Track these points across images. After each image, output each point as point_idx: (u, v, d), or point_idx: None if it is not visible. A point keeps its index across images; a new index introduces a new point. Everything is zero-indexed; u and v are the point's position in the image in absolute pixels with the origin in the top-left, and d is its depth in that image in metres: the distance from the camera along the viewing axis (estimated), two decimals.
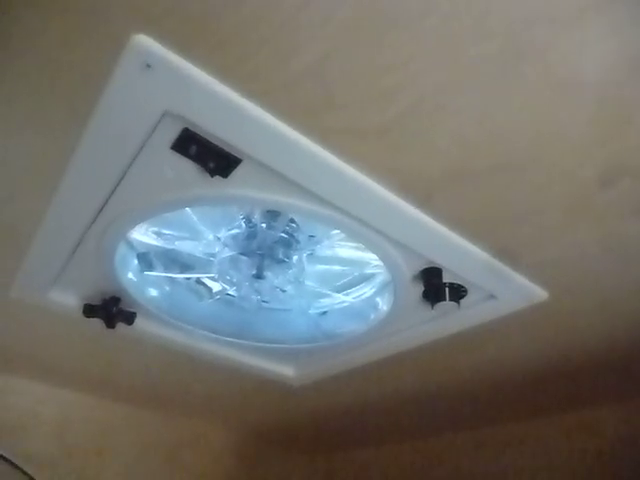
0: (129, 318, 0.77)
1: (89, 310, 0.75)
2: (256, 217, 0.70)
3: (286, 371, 1.02)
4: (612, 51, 0.41)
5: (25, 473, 1.07)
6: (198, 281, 0.86)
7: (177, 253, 0.78)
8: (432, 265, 0.65)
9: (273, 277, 0.77)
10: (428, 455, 1.22)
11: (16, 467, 1.06)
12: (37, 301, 0.79)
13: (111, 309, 0.75)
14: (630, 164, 0.50)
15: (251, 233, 0.71)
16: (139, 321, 0.81)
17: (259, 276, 0.75)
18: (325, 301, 0.87)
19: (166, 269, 0.81)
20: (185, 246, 0.77)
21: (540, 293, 0.68)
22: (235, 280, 0.78)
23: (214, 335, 0.89)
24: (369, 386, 1.02)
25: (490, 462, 1.12)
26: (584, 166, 0.50)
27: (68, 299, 0.79)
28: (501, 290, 0.68)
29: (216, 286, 0.84)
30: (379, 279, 0.79)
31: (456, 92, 0.44)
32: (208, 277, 0.82)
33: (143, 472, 1.26)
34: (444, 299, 0.67)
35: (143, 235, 0.75)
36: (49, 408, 1.15)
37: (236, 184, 0.53)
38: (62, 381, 1.13)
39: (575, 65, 0.42)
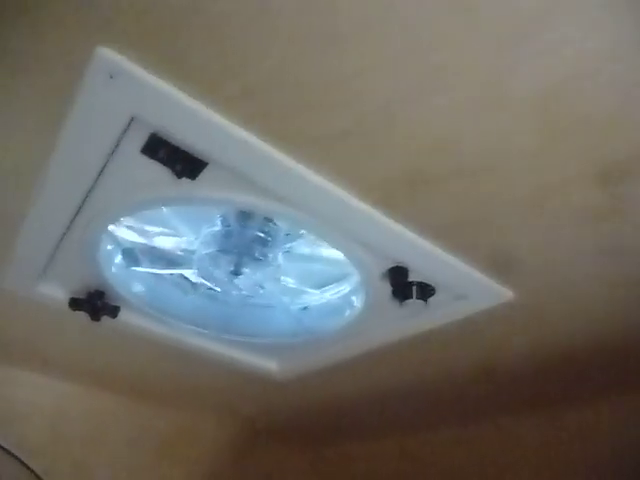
0: (113, 312, 0.80)
1: (74, 303, 0.79)
2: (232, 216, 0.73)
3: (270, 365, 1.04)
4: (552, 66, 0.43)
5: (22, 462, 1.11)
6: (182, 276, 0.89)
7: (160, 249, 0.81)
8: (398, 264, 0.67)
9: (251, 274, 0.79)
10: (411, 450, 1.25)
11: (12, 456, 1.11)
12: (27, 293, 0.83)
13: (95, 303, 0.78)
14: (573, 172, 0.52)
15: (228, 231, 0.74)
16: (124, 315, 0.84)
17: (237, 273, 0.78)
18: (305, 297, 0.89)
19: (150, 264, 0.84)
20: (167, 242, 0.80)
21: (506, 293, 0.70)
22: (215, 276, 0.81)
23: (198, 329, 0.92)
24: (350, 381, 1.04)
25: (472, 458, 1.14)
26: (535, 172, 0.53)
27: (56, 292, 0.82)
28: (468, 290, 0.70)
29: (199, 281, 0.87)
30: (354, 277, 0.81)
31: (410, 101, 0.47)
32: (190, 273, 0.85)
33: (135, 462, 1.29)
34: (411, 297, 0.69)
35: (126, 231, 0.78)
36: (43, 399, 1.18)
37: (204, 186, 0.56)
38: (56, 372, 1.17)
39: (517, 78, 0.44)
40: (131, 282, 0.84)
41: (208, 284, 0.83)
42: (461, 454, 1.15)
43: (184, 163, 0.53)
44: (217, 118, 0.48)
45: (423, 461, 1.22)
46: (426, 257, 0.64)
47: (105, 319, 0.83)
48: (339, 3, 0.39)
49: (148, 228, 0.78)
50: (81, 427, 1.22)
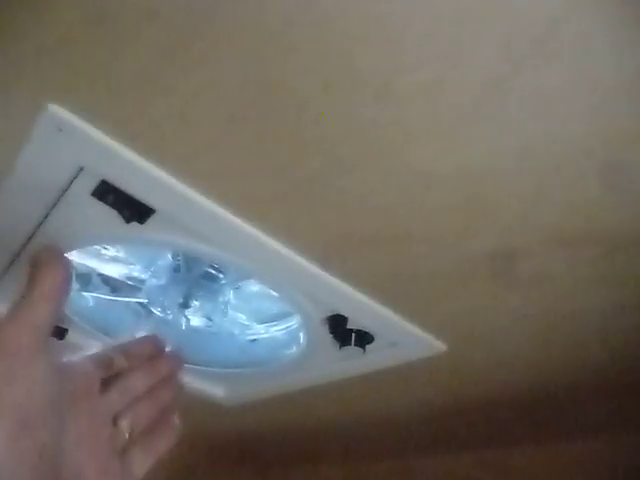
0: (60, 334, 0.81)
1: None
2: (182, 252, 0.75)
3: (217, 391, 1.06)
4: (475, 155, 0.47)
5: None
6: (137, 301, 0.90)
7: (113, 276, 0.83)
8: (338, 313, 0.70)
9: (200, 307, 0.82)
10: (353, 476, 1.28)
11: None
12: None
13: None
14: (504, 245, 0.56)
15: (178, 266, 0.76)
16: (73, 336, 0.85)
17: (185, 305, 0.80)
18: (253, 331, 0.92)
19: (103, 290, 0.85)
20: (120, 270, 0.82)
21: (439, 345, 0.74)
22: (165, 306, 0.82)
23: None
24: (296, 410, 1.07)
25: None
26: (462, 245, 0.56)
27: (5, 309, 0.83)
28: (402, 340, 0.73)
29: (150, 308, 0.88)
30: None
31: (347, 171, 0.50)
32: (141, 301, 0.87)
33: None
34: (349, 344, 0.72)
35: (81, 258, 0.79)
36: None
37: (152, 230, 0.58)
38: None
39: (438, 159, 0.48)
40: (82, 305, 0.85)
41: (157, 313, 0.85)
42: None
43: (132, 209, 0.55)
44: (163, 175, 0.50)
45: None
46: (363, 309, 0.67)
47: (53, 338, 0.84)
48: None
49: (105, 253, 0.80)
50: None
